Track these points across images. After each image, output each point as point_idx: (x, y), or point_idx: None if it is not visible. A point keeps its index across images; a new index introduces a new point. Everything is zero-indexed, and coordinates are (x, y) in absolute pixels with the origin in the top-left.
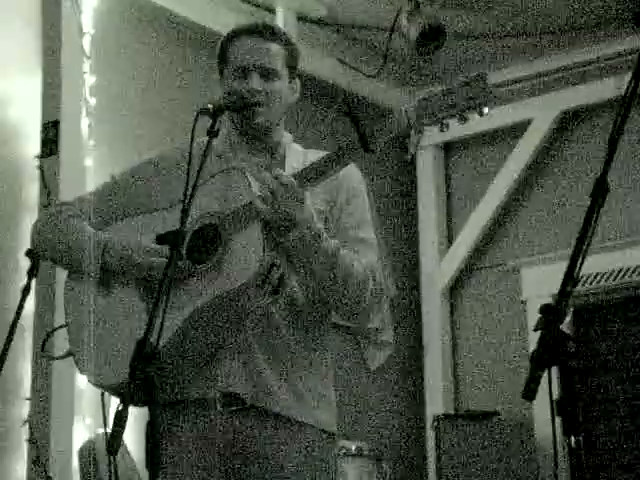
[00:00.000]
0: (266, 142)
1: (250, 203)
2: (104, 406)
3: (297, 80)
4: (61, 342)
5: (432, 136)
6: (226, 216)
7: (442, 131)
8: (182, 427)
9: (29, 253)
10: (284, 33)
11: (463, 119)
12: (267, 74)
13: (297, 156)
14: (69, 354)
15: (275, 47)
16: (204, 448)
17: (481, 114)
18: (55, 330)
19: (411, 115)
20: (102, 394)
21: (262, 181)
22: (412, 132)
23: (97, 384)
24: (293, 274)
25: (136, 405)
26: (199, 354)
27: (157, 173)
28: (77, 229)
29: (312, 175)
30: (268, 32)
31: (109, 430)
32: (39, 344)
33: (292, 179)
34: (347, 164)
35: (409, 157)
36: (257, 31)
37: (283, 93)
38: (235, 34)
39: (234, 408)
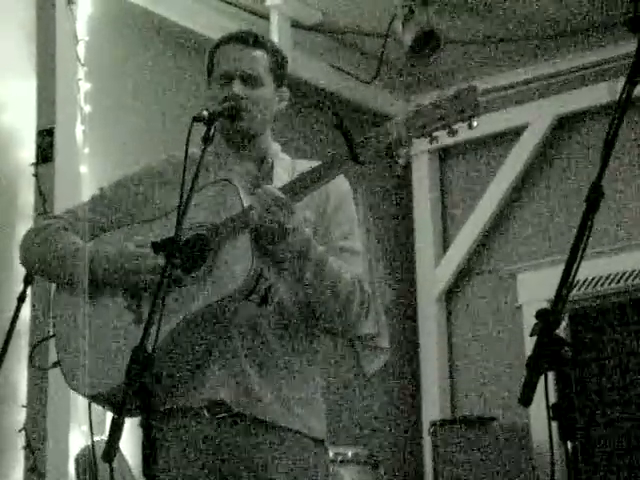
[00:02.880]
0: (253, 151)
1: (239, 214)
2: (90, 415)
3: (285, 88)
4: (54, 351)
5: (427, 142)
6: (215, 227)
7: (431, 144)
8: (170, 435)
9: None
10: (269, 41)
11: (452, 132)
12: (249, 80)
13: (285, 166)
14: (56, 364)
15: (258, 54)
16: (193, 456)
17: (470, 126)
18: (43, 341)
19: (401, 128)
20: (89, 403)
21: (253, 193)
22: (402, 144)
23: (84, 394)
24: (281, 283)
25: (130, 414)
26: (186, 362)
27: (146, 184)
28: (65, 241)
29: (301, 187)
30: (251, 39)
31: (97, 438)
32: (33, 353)
33: (281, 193)
34: (337, 175)
35: (399, 168)
36: (240, 38)
37: (266, 100)
38: (220, 42)
39: (221, 415)
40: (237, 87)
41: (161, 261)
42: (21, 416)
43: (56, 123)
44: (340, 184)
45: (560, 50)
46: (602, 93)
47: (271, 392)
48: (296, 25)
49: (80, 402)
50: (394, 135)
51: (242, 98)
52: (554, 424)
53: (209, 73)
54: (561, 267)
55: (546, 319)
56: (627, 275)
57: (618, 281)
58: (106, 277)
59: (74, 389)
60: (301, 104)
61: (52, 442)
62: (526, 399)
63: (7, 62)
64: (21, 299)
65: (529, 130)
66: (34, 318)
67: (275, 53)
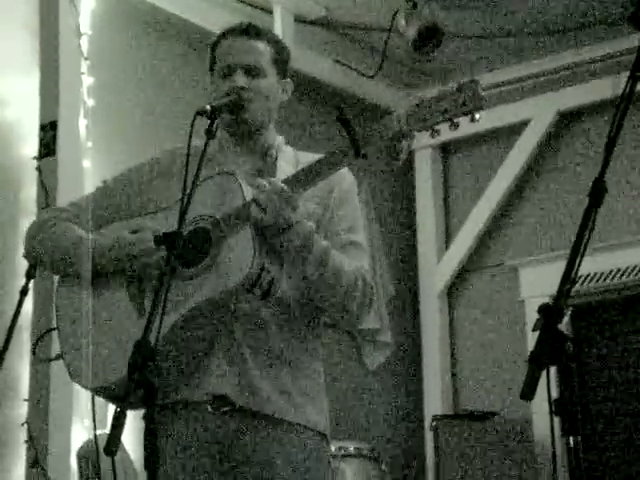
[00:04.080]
0: (257, 144)
1: (242, 207)
2: (94, 407)
3: (288, 79)
4: (57, 343)
5: (429, 137)
6: (217, 220)
7: (432, 137)
8: (173, 430)
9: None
10: (270, 32)
11: (454, 125)
12: (251, 72)
13: (289, 158)
14: (59, 356)
15: (260, 45)
16: (196, 450)
17: (473, 120)
18: (46, 333)
19: (402, 121)
20: (92, 396)
21: (255, 186)
22: (403, 137)
23: (88, 387)
24: (284, 277)
25: (133, 408)
26: (189, 357)
27: (149, 177)
28: (69, 233)
29: (304, 180)
30: (252, 31)
31: (99, 432)
32: (37, 346)
33: (284, 186)
34: (338, 169)
35: (399, 163)
36: (241, 31)
37: (269, 91)
38: (221, 36)
39: (224, 410)
40: (239, 79)
41: (160, 251)
42: (23, 410)
43: (59, 117)
44: (344, 177)
45: (563, 45)
46: (605, 88)
47: (273, 386)
48: (299, 20)
49: (82, 396)
50: (396, 128)
51: (244, 89)
52: (556, 419)
53: (211, 67)
54: (563, 262)
55: (548, 314)
56: (629, 270)
57: (620, 276)
58: (107, 267)
59: (77, 381)
60: (304, 99)
61: (54, 436)
62: (528, 394)
63: (10, 57)
64: (23, 293)
65: (532, 125)
66: (36, 312)
67: (277, 44)
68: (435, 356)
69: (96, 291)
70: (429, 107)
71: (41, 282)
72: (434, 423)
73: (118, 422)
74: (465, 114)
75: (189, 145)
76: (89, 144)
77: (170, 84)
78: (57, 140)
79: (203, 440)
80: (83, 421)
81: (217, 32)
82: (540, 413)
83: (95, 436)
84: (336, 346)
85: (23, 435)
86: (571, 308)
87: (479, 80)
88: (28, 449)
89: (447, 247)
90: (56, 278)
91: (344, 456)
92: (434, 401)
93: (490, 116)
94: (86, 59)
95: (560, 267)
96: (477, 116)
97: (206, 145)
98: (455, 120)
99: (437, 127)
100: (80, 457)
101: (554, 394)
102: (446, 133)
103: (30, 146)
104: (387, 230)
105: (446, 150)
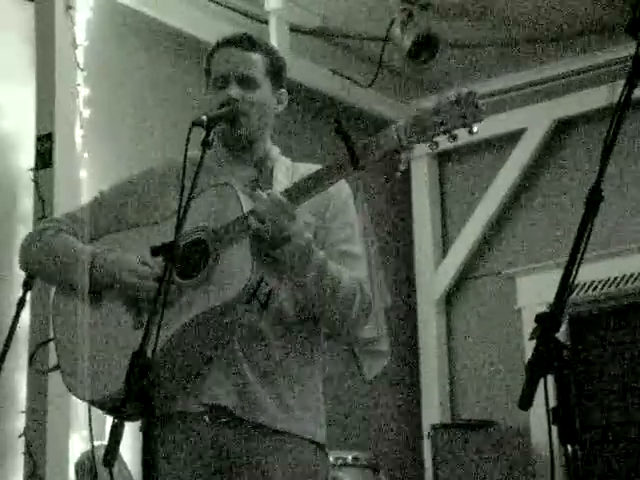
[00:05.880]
0: (252, 155)
1: (239, 218)
2: (90, 419)
3: (283, 90)
4: (54, 354)
5: (426, 146)
6: (215, 231)
7: (432, 149)
8: (170, 440)
9: None
10: (265, 43)
11: (452, 137)
12: (245, 83)
13: (285, 169)
14: (56, 367)
15: (254, 56)
16: (193, 461)
17: (471, 132)
18: (43, 344)
19: (401, 133)
20: (89, 408)
21: (253, 197)
22: (402, 149)
23: (85, 398)
24: (282, 288)
25: (130, 419)
26: (187, 368)
27: (146, 188)
28: (66, 244)
29: (302, 191)
30: (247, 42)
31: (97, 443)
32: (34, 356)
33: (283, 198)
34: (337, 181)
35: (399, 174)
36: (236, 42)
37: (264, 102)
38: (216, 46)
39: (222, 421)
40: (233, 90)
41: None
42: (20, 422)
43: (55, 128)
44: (341, 188)
45: (558, 53)
46: (600, 96)
47: (271, 397)
48: (295, 30)
49: (80, 407)
50: (395, 140)
51: (239, 101)
52: (554, 427)
53: (207, 78)
54: (560, 270)
55: (546, 322)
56: (627, 278)
57: (618, 284)
58: (105, 283)
59: (74, 393)
60: (300, 109)
61: (52, 447)
62: (525, 403)
63: (6, 68)
64: (20, 304)
65: (528, 133)
66: (33, 323)
67: (271, 55)
68: (433, 365)
69: (93, 302)
70: (428, 119)
71: (38, 293)
72: (432, 432)
73: (116, 433)
74: (464, 126)
75: (185, 155)
76: (85, 155)
77: (166, 95)
78: (54, 151)
79: (200, 451)
80: (81, 432)
81: (213, 43)
82: (538, 422)
83: (93, 447)
84: (333, 356)
85: (21, 447)
86: (568, 316)
87: (476, 92)
88: (26, 461)
89: (444, 256)
90: (53, 289)
91: (342, 466)
92: (432, 410)
93: (486, 125)
94: (82, 70)
95: (557, 275)
96: (475, 129)
97: (202, 156)
98: (453, 132)
99: (436, 139)
100: (78, 469)
101: (552, 403)
102: (443, 142)
103: (27, 157)
104: (384, 239)
105: (442, 159)
